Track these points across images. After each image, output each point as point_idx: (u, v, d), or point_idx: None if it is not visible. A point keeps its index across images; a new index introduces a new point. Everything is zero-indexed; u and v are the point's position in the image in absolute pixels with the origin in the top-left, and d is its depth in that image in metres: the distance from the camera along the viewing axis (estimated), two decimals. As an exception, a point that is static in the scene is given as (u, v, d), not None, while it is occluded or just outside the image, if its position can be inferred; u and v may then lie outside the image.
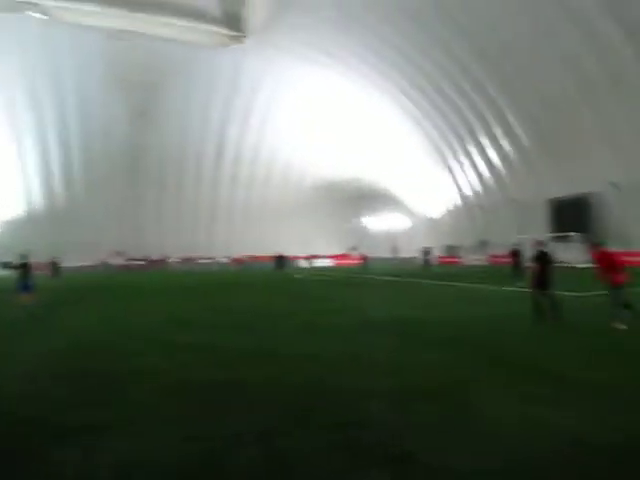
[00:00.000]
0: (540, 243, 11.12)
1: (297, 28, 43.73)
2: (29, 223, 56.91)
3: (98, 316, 13.74)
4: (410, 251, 55.07)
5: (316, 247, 64.17)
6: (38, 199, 57.79)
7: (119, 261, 58.59)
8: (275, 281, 29.67)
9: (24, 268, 15.42)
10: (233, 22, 43.94)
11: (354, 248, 64.50)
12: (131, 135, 56.96)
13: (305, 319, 11.98)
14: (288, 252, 50.09)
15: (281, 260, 41.49)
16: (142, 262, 59.51)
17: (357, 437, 4.31)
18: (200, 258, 61.16)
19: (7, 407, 5.47)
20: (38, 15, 41.66)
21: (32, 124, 53.38)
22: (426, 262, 43.01)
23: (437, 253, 52.64)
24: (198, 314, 13.77)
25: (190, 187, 62.50)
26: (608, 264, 9.47)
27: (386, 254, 60.23)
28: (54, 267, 39.27)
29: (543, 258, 10.57)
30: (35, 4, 40.62)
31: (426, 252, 44.02)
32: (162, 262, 60.16)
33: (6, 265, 54.57)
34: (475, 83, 41.80)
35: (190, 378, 6.44)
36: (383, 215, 67.64)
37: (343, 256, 64.96)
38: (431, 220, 60.21)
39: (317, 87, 53.83)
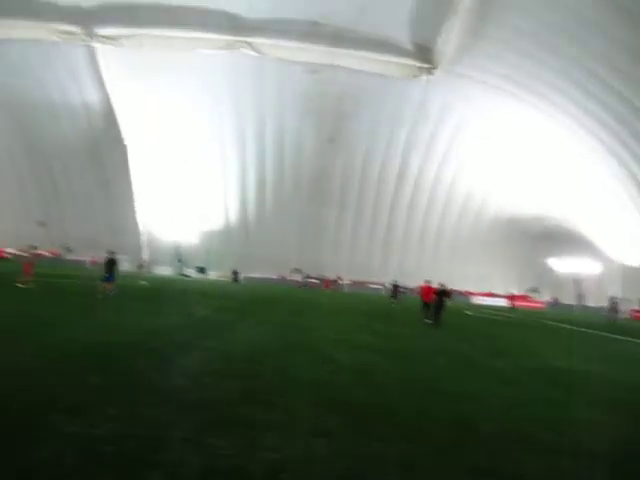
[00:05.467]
0: None
1: (491, 59, 42.83)
2: (223, 235, 63.39)
3: (272, 327, 14.75)
4: (599, 300, 49.77)
5: (490, 284, 61.32)
6: (233, 214, 64.02)
7: (296, 277, 62.15)
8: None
9: (109, 263, 19.03)
10: (424, 54, 44.58)
11: (534, 290, 60.25)
12: (318, 159, 60.41)
13: (461, 357, 11.54)
14: (460, 286, 48.65)
15: (443, 294, 39.99)
16: (317, 281, 62.35)
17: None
18: (371, 282, 62.21)
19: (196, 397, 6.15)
20: (250, 52, 46.75)
21: (234, 146, 59.58)
22: (612, 313, 38.35)
23: (632, 306, 46.77)
24: (365, 337, 14.05)
25: (369, 211, 64.09)
26: None
27: (569, 300, 55.20)
28: (235, 276, 42.93)
29: None
30: (249, 43, 45.74)
31: (613, 302, 39.28)
32: (335, 282, 62.36)
33: (201, 270, 61.42)
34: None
35: (346, 397, 6.62)
36: (569, 257, 62.15)
37: (521, 297, 61.05)
38: (629, 268, 53.73)
39: (505, 119, 51.86)
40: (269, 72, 51.13)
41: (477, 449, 5.10)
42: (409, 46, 44.49)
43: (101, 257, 21.92)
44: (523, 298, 60.57)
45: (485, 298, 57.21)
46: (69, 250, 61.13)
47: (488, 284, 61.13)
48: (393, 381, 8.06)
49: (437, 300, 20.09)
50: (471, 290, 60.53)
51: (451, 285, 21.65)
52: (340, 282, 62.46)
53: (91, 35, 47.57)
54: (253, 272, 60.87)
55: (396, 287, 34.99)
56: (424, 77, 47.68)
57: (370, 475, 4.18)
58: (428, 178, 61.20)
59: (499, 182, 59.43)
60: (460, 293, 50.44)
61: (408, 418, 5.91)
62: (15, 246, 52.93)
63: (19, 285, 19.19)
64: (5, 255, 58.60)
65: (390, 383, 7.86)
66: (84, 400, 5.33)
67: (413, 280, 58.29)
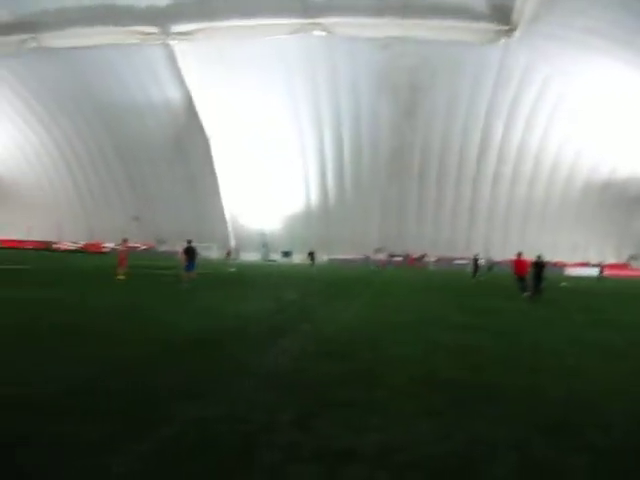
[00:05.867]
0: None
1: (574, 13, 40.03)
2: (305, 219, 64.22)
3: (361, 307, 14.80)
4: None
5: (585, 254, 58.05)
6: (314, 197, 64.61)
7: (380, 257, 61.92)
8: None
9: (188, 252, 19.33)
10: (502, 16, 42.47)
11: (635, 257, 56.40)
12: (396, 135, 59.50)
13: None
14: (551, 258, 46.28)
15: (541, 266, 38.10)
16: (401, 259, 61.81)
17: None
18: (456, 258, 60.80)
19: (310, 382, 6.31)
20: (321, 33, 46.59)
21: (312, 129, 59.90)
22: None
23: None
24: (458, 315, 13.79)
25: (451, 185, 62.45)
26: None
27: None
28: (311, 257, 43.23)
29: None
30: (319, 23, 45.57)
31: None
32: (420, 260, 61.55)
33: (286, 254, 62.67)
34: None
35: (448, 376, 6.52)
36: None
37: (619, 266, 57.37)
38: None
39: (591, 75, 48.46)
40: (341, 52, 50.84)
41: (593, 429, 4.85)
42: (485, 9, 42.55)
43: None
44: (623, 267, 56.95)
45: (580, 269, 54.26)
46: (162, 242, 64.48)
47: (582, 254, 57.97)
48: (495, 360, 7.83)
49: (535, 272, 19.26)
50: (564, 261, 57.56)
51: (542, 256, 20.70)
52: (425, 259, 61.52)
53: (167, 33, 49.40)
54: (336, 253, 61.40)
55: (476, 261, 34.04)
56: (502, 40, 45.51)
57: (483, 457, 4.08)
58: (512, 146, 58.61)
59: (589, 143, 55.86)
60: (552, 265, 48.04)
61: (515, 398, 5.72)
62: (112, 241, 56.67)
63: (119, 277, 20.41)
64: (105, 249, 62.72)
65: (492, 362, 7.64)
66: (196, 385, 5.60)
67: (502, 254, 56.40)
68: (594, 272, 45.77)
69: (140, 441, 3.98)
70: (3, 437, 4.01)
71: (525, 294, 19.58)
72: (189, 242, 20.08)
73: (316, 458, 3.86)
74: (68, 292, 15.23)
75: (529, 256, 20.73)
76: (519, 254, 20.81)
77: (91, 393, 5.17)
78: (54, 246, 67.04)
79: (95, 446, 3.85)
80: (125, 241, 24.14)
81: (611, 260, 58.72)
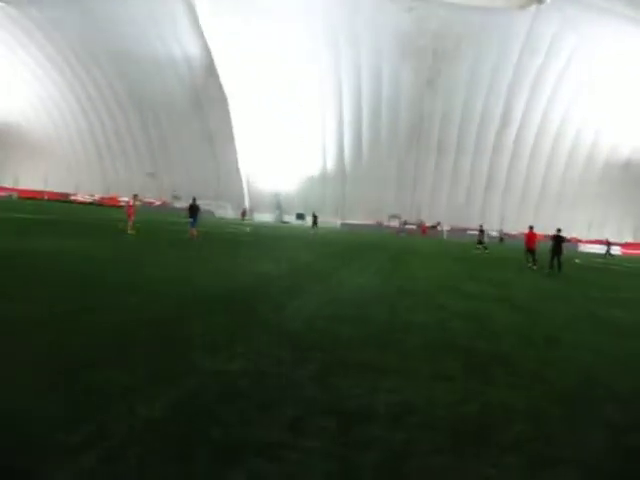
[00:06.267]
0: None
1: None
2: (321, 182, 63.92)
3: (375, 272, 14.87)
4: None
5: (601, 231, 57.37)
6: (331, 161, 64.11)
7: (394, 224, 61.77)
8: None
9: (192, 209, 21.16)
10: (535, -20, 41.05)
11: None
12: (416, 102, 58.50)
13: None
14: (567, 233, 45.78)
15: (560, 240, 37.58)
16: (414, 227, 61.60)
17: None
18: (470, 229, 60.39)
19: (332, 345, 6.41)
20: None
21: (332, 92, 58.98)
22: None
23: None
24: (471, 285, 13.81)
25: (469, 155, 61.56)
26: None
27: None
28: (314, 220, 43.01)
29: None
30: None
31: None
32: (433, 229, 61.32)
33: (300, 217, 62.72)
34: None
35: (462, 343, 6.59)
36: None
37: (636, 245, 56.77)
38: None
39: (622, 47, 46.94)
40: (364, 13, 49.61)
41: (604, 401, 4.90)
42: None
43: (201, 204, 23.69)
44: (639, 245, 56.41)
45: (594, 246, 53.72)
46: (177, 198, 64.71)
47: (599, 231, 57.34)
48: (508, 329, 7.88)
49: (554, 246, 19.24)
50: (579, 237, 57.01)
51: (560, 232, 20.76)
52: (439, 228, 61.27)
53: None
54: (350, 218, 61.31)
55: (482, 232, 33.95)
56: (533, 6, 44.08)
57: (497, 422, 4.15)
58: (534, 119, 57.45)
59: (612, 121, 54.56)
60: (567, 240, 47.49)
61: (529, 367, 5.77)
62: (128, 195, 56.98)
63: (129, 232, 20.61)
64: (121, 203, 63.17)
65: (506, 331, 7.69)
66: (215, 339, 5.71)
67: (516, 227, 56.05)
68: (611, 250, 45.22)
69: (166, 391, 4.11)
70: (35, 388, 4.16)
71: (532, 266, 20.26)
72: (194, 200, 21.98)
73: (333, 415, 3.96)
74: (95, 243, 15.47)
75: (544, 231, 20.76)
76: (531, 227, 22.00)
77: (121, 344, 5.32)
78: (71, 197, 67.59)
79: (125, 394, 3.98)
80: (135, 197, 24.31)
81: (629, 239, 58.12)
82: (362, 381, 4.80)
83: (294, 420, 3.79)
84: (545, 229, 46.69)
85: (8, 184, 70.20)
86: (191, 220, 20.85)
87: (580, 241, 56.46)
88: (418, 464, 3.34)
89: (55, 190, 68.04)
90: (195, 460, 3.13)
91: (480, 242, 33.30)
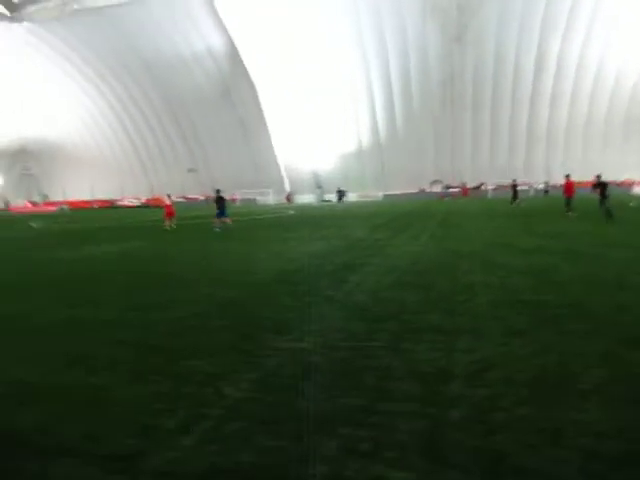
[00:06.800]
0: None
1: None
2: (358, 157, 63.37)
3: (426, 239, 14.82)
4: None
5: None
6: (365, 133, 63.37)
7: (436, 189, 60.76)
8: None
9: (218, 200, 21.56)
10: None
11: None
12: (446, 61, 56.91)
13: None
14: (617, 177, 44.16)
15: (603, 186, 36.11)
16: (457, 189, 60.44)
17: None
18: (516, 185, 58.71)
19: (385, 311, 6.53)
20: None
21: (358, 62, 58.01)
22: None
23: None
24: (525, 239, 13.59)
25: (507, 108, 59.52)
26: None
27: None
28: (339, 195, 42.39)
29: None
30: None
31: None
32: (477, 189, 60.03)
33: (340, 193, 62.49)
34: None
35: (529, 298, 6.56)
36: None
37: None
38: None
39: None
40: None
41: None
42: None
43: (239, 194, 24.19)
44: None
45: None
46: (218, 191, 65.42)
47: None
48: (575, 280, 7.76)
49: (600, 193, 18.67)
50: (632, 179, 54.49)
51: (606, 177, 20.25)
52: (483, 188, 59.89)
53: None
54: (392, 189, 60.71)
55: (515, 187, 32.99)
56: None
57: (575, 369, 4.17)
58: (570, 62, 54.89)
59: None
60: (618, 184, 45.53)
61: (601, 315, 5.72)
62: (173, 194, 58.19)
63: (166, 228, 22.14)
64: (166, 202, 64.38)
65: (571, 282, 7.59)
66: (284, 320, 5.91)
67: (562, 177, 53.89)
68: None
69: (248, 371, 4.32)
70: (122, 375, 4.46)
71: (571, 214, 20.59)
72: (218, 192, 22.31)
73: (415, 379, 4.08)
74: (152, 244, 16.04)
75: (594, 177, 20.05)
76: (567, 176, 22.19)
77: (203, 329, 5.68)
78: (118, 203, 69.58)
79: (211, 377, 4.23)
80: (169, 196, 25.52)
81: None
82: (436, 344, 4.89)
83: (376, 388, 3.93)
84: (594, 175, 45.11)
85: (57, 198, 73.36)
86: (218, 212, 21.38)
87: (633, 183, 54.02)
88: (505, 417, 3.43)
89: (102, 198, 70.51)
90: (287, 432, 3.31)
91: (515, 197, 32.49)
